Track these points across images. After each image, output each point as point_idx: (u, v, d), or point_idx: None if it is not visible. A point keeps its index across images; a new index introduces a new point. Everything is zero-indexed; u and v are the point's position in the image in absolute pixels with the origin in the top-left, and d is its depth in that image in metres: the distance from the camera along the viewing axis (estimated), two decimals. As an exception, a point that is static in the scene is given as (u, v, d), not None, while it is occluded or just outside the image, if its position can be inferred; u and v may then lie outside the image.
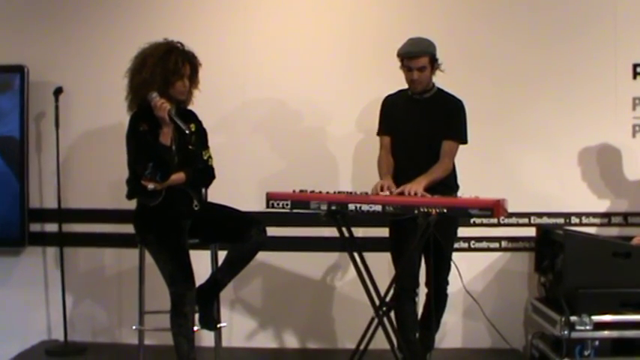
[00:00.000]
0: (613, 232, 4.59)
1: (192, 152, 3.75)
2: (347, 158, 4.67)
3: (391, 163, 3.95)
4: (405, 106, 3.95)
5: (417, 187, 3.58)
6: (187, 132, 3.63)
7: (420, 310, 4.08)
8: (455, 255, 3.98)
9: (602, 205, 4.63)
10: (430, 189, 3.64)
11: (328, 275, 4.73)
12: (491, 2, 4.66)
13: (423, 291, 3.99)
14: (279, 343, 4.75)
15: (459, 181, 3.98)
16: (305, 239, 4.62)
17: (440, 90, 3.95)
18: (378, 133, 4.03)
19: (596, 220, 4.63)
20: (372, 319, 3.69)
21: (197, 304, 3.64)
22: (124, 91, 3.73)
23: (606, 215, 4.63)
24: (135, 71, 3.68)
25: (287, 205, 3.61)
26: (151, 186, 3.53)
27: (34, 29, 4.76)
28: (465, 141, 3.93)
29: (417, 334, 3.96)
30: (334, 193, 3.65)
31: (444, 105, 3.90)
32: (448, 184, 3.86)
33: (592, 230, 4.56)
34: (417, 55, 3.76)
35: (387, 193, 3.65)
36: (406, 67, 3.81)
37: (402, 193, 3.58)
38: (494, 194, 3.48)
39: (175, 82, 3.65)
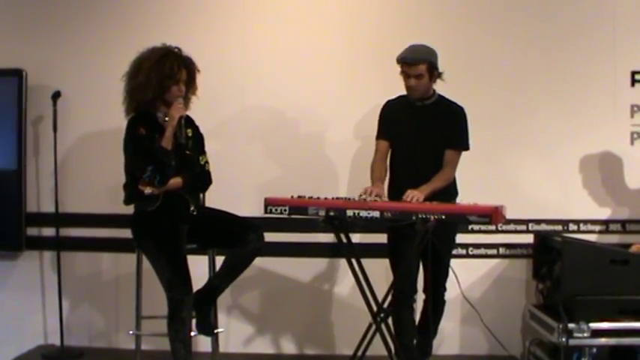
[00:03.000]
0: (611, 239, 4.59)
1: (189, 157, 3.75)
2: (345, 164, 4.66)
3: (385, 169, 3.95)
4: (406, 112, 3.95)
5: (418, 195, 3.59)
6: (182, 142, 3.65)
7: (417, 316, 4.08)
8: (453, 261, 3.98)
9: (601, 213, 4.63)
10: (430, 196, 3.65)
11: (326, 281, 4.72)
12: (491, 10, 4.66)
13: (420, 297, 3.99)
14: (276, 349, 4.74)
15: (458, 187, 3.98)
16: (303, 245, 4.61)
17: (441, 97, 3.94)
18: (376, 138, 4.02)
19: (595, 228, 4.62)
20: (370, 325, 3.69)
21: (194, 309, 3.63)
22: (122, 95, 3.73)
23: (604, 223, 4.62)
24: (131, 75, 3.69)
25: (285, 210, 3.61)
26: (147, 190, 3.53)
27: (33, 33, 4.76)
28: (467, 148, 3.93)
29: (415, 341, 3.96)
30: (332, 199, 3.65)
31: (446, 112, 3.91)
32: (447, 190, 3.85)
33: (590, 238, 4.55)
34: (414, 63, 3.76)
35: (377, 199, 3.63)
36: (404, 73, 3.81)
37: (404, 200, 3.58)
38: (493, 201, 3.49)
39: (171, 87, 3.66)
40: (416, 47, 3.80)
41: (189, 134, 3.79)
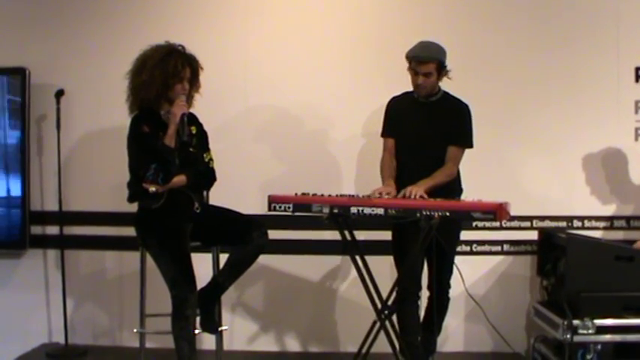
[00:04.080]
0: (615, 235, 4.58)
1: (193, 154, 3.75)
2: (349, 161, 4.66)
3: (394, 166, 3.93)
4: (411, 109, 3.94)
5: (417, 190, 3.58)
6: (185, 139, 3.64)
7: (422, 313, 4.07)
8: (457, 258, 3.97)
9: (605, 209, 4.62)
10: (433, 192, 3.64)
11: (330, 278, 4.72)
12: (495, 7, 4.65)
13: (425, 294, 3.98)
14: (280, 347, 4.74)
15: (463, 184, 3.97)
16: (307, 242, 4.61)
17: (446, 94, 3.93)
18: (382, 135, 4.02)
19: (599, 224, 4.62)
20: (374, 323, 3.68)
21: (198, 307, 3.64)
22: (125, 93, 3.73)
23: (609, 219, 4.62)
24: (135, 73, 3.68)
25: (289, 208, 3.61)
26: (152, 189, 3.53)
27: (36, 32, 4.76)
28: (470, 145, 3.92)
29: (419, 338, 3.95)
30: (336, 196, 3.64)
31: (450, 109, 3.89)
32: (451, 187, 3.84)
33: (595, 234, 4.54)
34: (425, 61, 3.74)
35: (387, 196, 3.62)
36: (413, 71, 3.80)
37: (403, 197, 3.57)
38: (497, 197, 3.48)
39: (175, 85, 3.65)
40: (427, 45, 3.78)
41: (193, 131, 3.78)
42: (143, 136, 3.60)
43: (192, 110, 3.82)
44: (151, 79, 3.60)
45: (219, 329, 3.91)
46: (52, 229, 4.71)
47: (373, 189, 3.71)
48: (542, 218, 4.62)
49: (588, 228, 4.60)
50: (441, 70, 3.80)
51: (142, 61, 3.66)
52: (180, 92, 3.66)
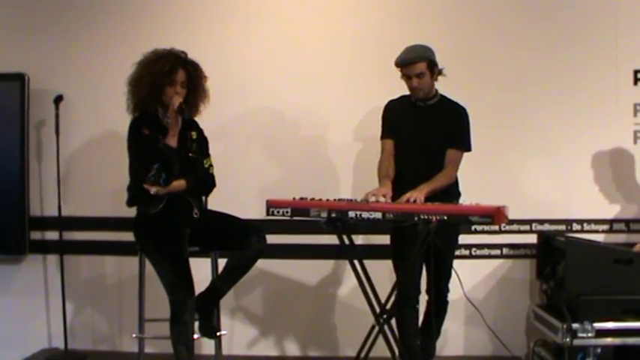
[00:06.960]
0: (615, 238, 4.57)
1: (193, 160, 3.75)
2: (347, 166, 4.66)
3: (392, 167, 3.91)
4: (408, 112, 3.93)
5: (417, 194, 3.57)
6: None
7: (421, 317, 4.06)
8: (456, 262, 3.96)
9: (604, 212, 4.61)
10: (431, 196, 3.63)
11: (329, 283, 4.71)
12: (493, 9, 4.65)
13: (423, 298, 3.98)
14: (279, 351, 4.74)
15: (460, 188, 3.96)
16: (305, 247, 4.61)
17: (443, 97, 3.93)
18: (381, 137, 4.00)
19: (598, 227, 4.61)
20: (373, 327, 3.68)
21: (197, 311, 3.63)
22: (124, 96, 3.73)
23: (608, 222, 4.61)
24: (131, 75, 3.69)
25: (287, 212, 3.60)
26: (153, 190, 3.52)
27: (35, 37, 4.77)
28: (468, 149, 3.92)
29: (418, 342, 3.95)
30: (334, 200, 3.64)
31: (448, 112, 3.89)
32: (449, 191, 3.84)
33: (594, 237, 4.52)
34: (413, 62, 3.74)
35: (383, 199, 3.61)
36: (405, 76, 3.80)
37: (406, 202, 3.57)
38: (495, 201, 3.47)
39: (165, 87, 3.64)
40: (412, 47, 3.78)
41: (194, 137, 3.78)
42: (143, 138, 3.60)
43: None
44: (140, 79, 3.61)
45: (218, 334, 3.90)
46: (52, 235, 4.72)
47: (368, 191, 3.67)
48: (541, 221, 4.62)
49: (587, 231, 4.59)
50: (433, 68, 3.80)
51: (138, 62, 3.67)
52: (171, 95, 3.63)
